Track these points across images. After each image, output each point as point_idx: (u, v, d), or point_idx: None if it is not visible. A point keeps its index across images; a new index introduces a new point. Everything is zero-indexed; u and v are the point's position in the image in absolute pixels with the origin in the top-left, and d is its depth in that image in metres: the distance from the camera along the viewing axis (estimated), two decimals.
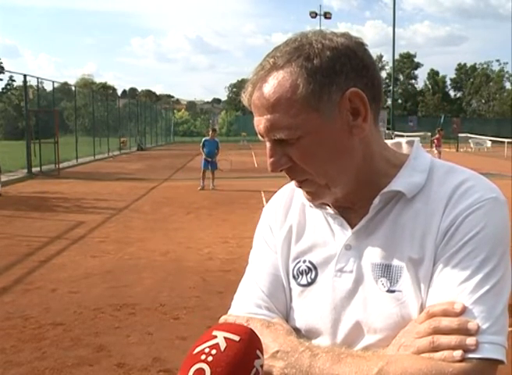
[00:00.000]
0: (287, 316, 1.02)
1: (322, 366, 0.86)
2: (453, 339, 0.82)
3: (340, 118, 0.90)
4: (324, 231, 1.02)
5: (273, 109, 0.89)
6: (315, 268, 1.01)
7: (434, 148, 21.22)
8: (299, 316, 1.01)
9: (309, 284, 1.01)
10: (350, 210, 1.00)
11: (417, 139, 1.04)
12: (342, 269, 0.97)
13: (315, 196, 0.97)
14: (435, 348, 0.82)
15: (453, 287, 0.86)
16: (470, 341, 0.81)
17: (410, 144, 1.04)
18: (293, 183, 1.13)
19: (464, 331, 0.82)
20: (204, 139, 14.90)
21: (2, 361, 4.12)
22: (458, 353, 0.81)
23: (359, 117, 0.91)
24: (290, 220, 1.07)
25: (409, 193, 0.94)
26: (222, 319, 1.00)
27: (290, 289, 1.03)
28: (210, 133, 15.08)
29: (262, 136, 0.94)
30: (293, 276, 1.03)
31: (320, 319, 0.98)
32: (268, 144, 0.93)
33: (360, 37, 0.95)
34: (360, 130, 0.91)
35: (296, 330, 0.99)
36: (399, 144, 1.06)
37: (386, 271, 0.93)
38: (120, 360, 4.14)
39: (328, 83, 0.88)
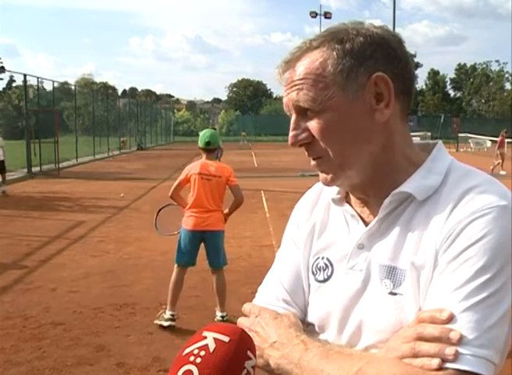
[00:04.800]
0: (305, 311, 1.06)
1: (310, 359, 0.88)
2: (432, 347, 0.80)
3: (364, 100, 0.93)
4: (342, 229, 1.03)
5: (302, 82, 0.94)
6: (332, 265, 1.02)
7: (496, 150, 20.72)
8: (312, 311, 1.04)
9: (325, 281, 1.02)
10: (367, 207, 1.01)
11: (440, 141, 1.03)
12: (353, 267, 0.98)
13: (330, 177, 0.98)
14: (416, 355, 0.80)
15: (446, 294, 0.84)
16: (449, 350, 0.79)
17: (434, 145, 1.02)
18: None
19: (445, 340, 0.79)
20: None
21: (2, 360, 4.13)
22: (435, 361, 0.79)
23: (382, 102, 0.93)
24: (315, 217, 1.09)
25: (420, 195, 0.93)
26: (244, 306, 1.04)
27: (309, 284, 1.05)
28: None
29: (289, 110, 0.98)
30: (312, 272, 1.05)
31: (330, 315, 1.00)
32: (292, 118, 0.97)
33: (398, 33, 0.99)
34: (381, 116, 0.93)
35: (311, 324, 1.02)
36: (425, 146, 1.03)
37: (391, 273, 0.93)
38: (120, 360, 4.15)
39: (356, 65, 0.93)
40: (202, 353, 0.76)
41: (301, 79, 0.94)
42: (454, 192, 0.91)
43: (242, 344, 0.78)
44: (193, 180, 4.94)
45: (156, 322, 4.82)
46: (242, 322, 1.00)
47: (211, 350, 0.76)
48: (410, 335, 0.83)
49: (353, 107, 0.93)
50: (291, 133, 0.97)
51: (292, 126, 0.97)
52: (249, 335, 0.82)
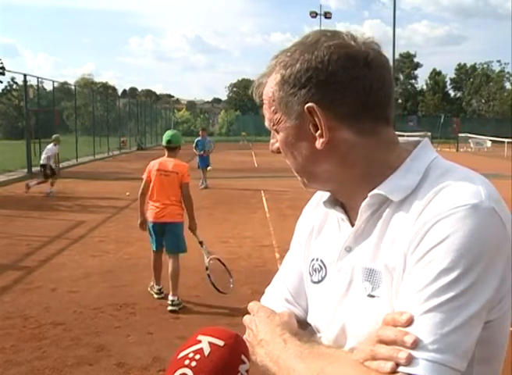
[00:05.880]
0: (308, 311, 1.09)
1: (286, 358, 0.89)
2: (388, 350, 0.79)
3: (304, 127, 0.95)
4: (335, 231, 1.05)
5: (263, 102, 1.02)
6: (325, 267, 1.04)
7: None
8: (310, 312, 1.07)
9: (319, 282, 1.05)
10: (354, 210, 1.00)
11: (425, 139, 1.01)
12: (340, 269, 0.99)
13: (302, 184, 1.05)
14: (374, 357, 0.80)
15: (409, 296, 0.83)
16: (401, 353, 0.77)
17: (418, 144, 1.00)
18: None
19: (400, 343, 0.78)
20: (196, 139, 15.29)
21: (2, 360, 4.13)
22: (388, 365, 0.78)
23: (318, 131, 0.94)
24: (314, 219, 1.11)
25: (394, 196, 0.91)
26: (248, 306, 1.07)
27: (308, 285, 1.08)
28: (200, 132, 15.52)
29: None
30: (309, 273, 1.08)
31: (321, 317, 1.02)
32: None
33: (358, 48, 0.93)
34: (318, 144, 0.94)
35: (311, 325, 1.05)
36: (411, 144, 1.01)
37: (370, 275, 0.93)
38: (120, 360, 4.15)
39: (291, 93, 0.95)
40: (197, 357, 0.76)
41: (263, 99, 1.01)
42: (428, 192, 0.88)
43: (236, 349, 0.79)
44: (153, 176, 5.56)
45: (149, 290, 5.61)
46: (244, 319, 1.04)
47: (206, 354, 0.76)
48: (373, 338, 0.83)
49: (298, 133, 0.96)
50: (270, 141, 1.04)
51: (271, 134, 1.04)
52: (243, 339, 0.83)
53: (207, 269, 5.12)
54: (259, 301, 1.11)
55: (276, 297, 1.11)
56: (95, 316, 5.08)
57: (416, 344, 0.78)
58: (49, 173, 13.82)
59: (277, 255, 7.26)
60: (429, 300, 0.80)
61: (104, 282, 6.17)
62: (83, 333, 4.66)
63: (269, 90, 0.98)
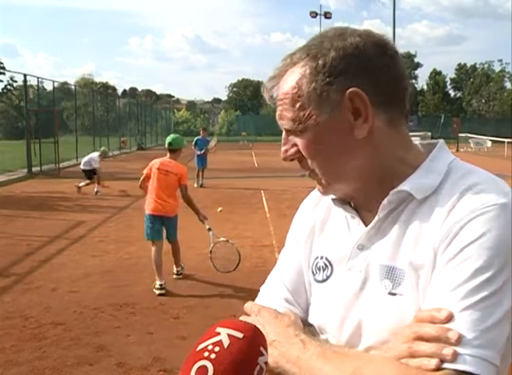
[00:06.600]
0: (308, 311, 1.06)
1: (308, 359, 0.87)
2: (430, 347, 0.78)
3: (341, 117, 0.92)
4: (342, 230, 1.03)
5: (283, 101, 0.96)
6: (331, 265, 1.02)
7: None
8: (313, 312, 1.04)
9: (324, 281, 1.02)
10: (367, 209, 1.00)
11: (441, 141, 1.01)
12: (352, 268, 0.98)
13: (322, 190, 1.01)
14: (413, 354, 0.79)
15: (445, 293, 0.83)
16: (447, 350, 0.77)
17: (435, 146, 1.01)
18: None
19: (443, 339, 0.78)
20: (196, 138, 15.53)
21: (2, 360, 4.13)
22: (433, 362, 0.77)
23: (360, 117, 0.91)
24: (316, 216, 1.09)
25: (417, 194, 0.92)
26: (245, 305, 1.04)
27: (310, 284, 1.06)
28: (201, 132, 15.77)
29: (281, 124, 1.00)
30: (312, 272, 1.05)
31: (329, 316, 1.00)
32: (283, 133, 0.99)
33: (385, 38, 0.96)
34: (360, 131, 0.92)
35: (312, 325, 1.03)
36: (429, 146, 1.00)
37: (390, 273, 0.92)
38: (120, 360, 4.15)
39: (328, 82, 0.91)
40: (216, 349, 0.76)
41: (281, 99, 0.96)
42: (454, 191, 0.89)
43: (255, 341, 0.79)
44: (153, 173, 6.17)
45: (153, 289, 5.76)
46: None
47: (226, 346, 0.76)
48: (407, 335, 0.82)
49: (332, 125, 0.93)
50: (282, 149, 0.99)
51: (282, 141, 0.99)
52: (261, 331, 0.82)
53: (210, 252, 6.06)
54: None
55: (275, 296, 1.07)
56: (95, 316, 5.08)
57: (460, 341, 0.78)
58: (92, 175, 13.93)
59: (277, 255, 7.26)
60: (468, 296, 0.81)
61: (104, 282, 6.17)
62: (83, 333, 4.66)
63: (292, 86, 0.94)
